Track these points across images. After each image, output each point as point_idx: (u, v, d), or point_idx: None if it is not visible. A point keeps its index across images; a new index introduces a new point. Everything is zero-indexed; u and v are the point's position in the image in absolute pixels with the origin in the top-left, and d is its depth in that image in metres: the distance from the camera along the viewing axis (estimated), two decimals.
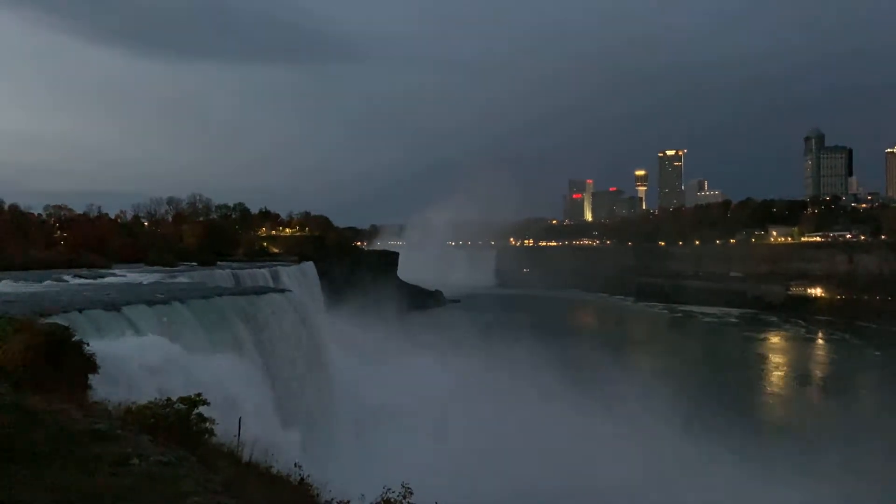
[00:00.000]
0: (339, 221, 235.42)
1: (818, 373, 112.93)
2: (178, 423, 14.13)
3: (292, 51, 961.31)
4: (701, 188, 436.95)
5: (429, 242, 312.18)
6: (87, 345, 20.34)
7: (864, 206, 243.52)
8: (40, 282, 51.15)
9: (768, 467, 54.07)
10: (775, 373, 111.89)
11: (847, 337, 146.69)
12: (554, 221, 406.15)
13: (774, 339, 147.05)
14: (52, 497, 8.83)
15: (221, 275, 73.53)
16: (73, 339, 20.02)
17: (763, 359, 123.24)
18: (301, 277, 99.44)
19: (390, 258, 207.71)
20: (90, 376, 19.77)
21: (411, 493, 14.60)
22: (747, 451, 58.77)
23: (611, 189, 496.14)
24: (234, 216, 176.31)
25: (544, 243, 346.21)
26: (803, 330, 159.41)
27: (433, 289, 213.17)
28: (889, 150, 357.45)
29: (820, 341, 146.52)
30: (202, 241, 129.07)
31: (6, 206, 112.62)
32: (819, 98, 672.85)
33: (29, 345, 17.68)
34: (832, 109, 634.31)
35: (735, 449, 58.58)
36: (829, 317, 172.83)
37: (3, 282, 49.31)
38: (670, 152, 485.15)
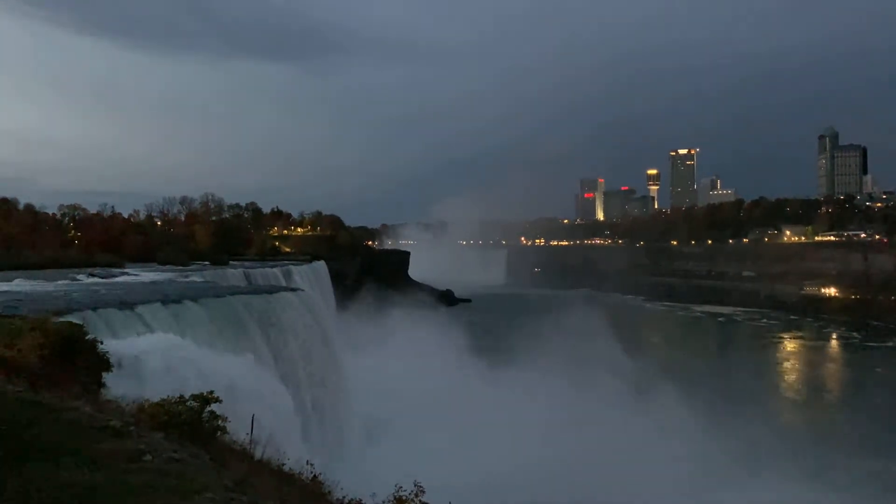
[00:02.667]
0: (350, 221, 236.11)
1: (837, 375, 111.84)
2: (191, 421, 14.19)
3: (295, 48, 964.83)
4: (713, 187, 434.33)
5: (440, 242, 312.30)
6: (101, 343, 20.51)
7: (879, 205, 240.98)
8: (55, 281, 51.56)
9: (787, 470, 53.54)
10: (792, 376, 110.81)
11: (862, 337, 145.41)
12: (565, 221, 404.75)
13: (789, 340, 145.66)
14: (66, 493, 8.88)
15: (234, 274, 73.94)
16: (87, 338, 20.19)
17: (780, 361, 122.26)
18: (313, 277, 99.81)
19: (401, 257, 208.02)
20: (104, 374, 19.93)
21: (423, 492, 14.57)
22: (763, 453, 58.28)
23: (622, 188, 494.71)
24: (246, 216, 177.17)
25: (556, 243, 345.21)
26: (817, 330, 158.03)
27: (444, 288, 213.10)
28: None
29: (834, 342, 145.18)
30: (214, 241, 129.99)
31: (21, 206, 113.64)
32: (833, 96, 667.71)
33: (43, 343, 17.85)
34: (847, 107, 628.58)
35: (751, 451, 58.16)
36: (843, 317, 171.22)
37: (18, 280, 49.76)
38: (682, 151, 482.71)
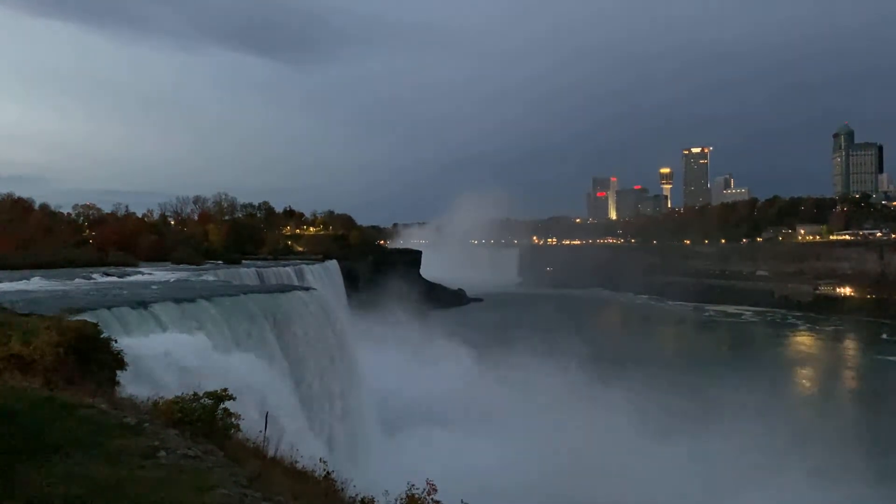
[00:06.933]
0: (362, 220, 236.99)
1: (855, 376, 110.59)
2: (205, 418, 14.24)
3: (286, 41, 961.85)
4: (727, 186, 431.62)
5: (452, 241, 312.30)
6: (116, 341, 20.62)
7: (894, 203, 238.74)
8: (70, 279, 51.96)
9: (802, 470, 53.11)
10: (810, 378, 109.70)
11: (878, 336, 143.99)
12: (577, 220, 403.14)
13: (806, 341, 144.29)
14: (81, 489, 8.95)
15: (246, 273, 74.18)
16: (102, 336, 20.29)
17: (798, 362, 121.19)
18: (325, 275, 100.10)
19: (413, 256, 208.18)
20: (118, 372, 20.04)
21: (436, 490, 14.56)
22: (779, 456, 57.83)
23: (635, 187, 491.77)
24: (258, 215, 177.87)
25: (568, 242, 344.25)
26: (834, 330, 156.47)
27: (456, 287, 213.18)
28: None
29: (850, 342, 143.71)
30: (227, 240, 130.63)
31: (37, 206, 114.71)
32: (849, 94, 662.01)
33: (59, 341, 17.95)
34: (862, 105, 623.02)
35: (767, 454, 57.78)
36: (858, 316, 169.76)
37: (34, 279, 50.19)
38: (696, 150, 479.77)
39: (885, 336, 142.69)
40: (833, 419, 78.14)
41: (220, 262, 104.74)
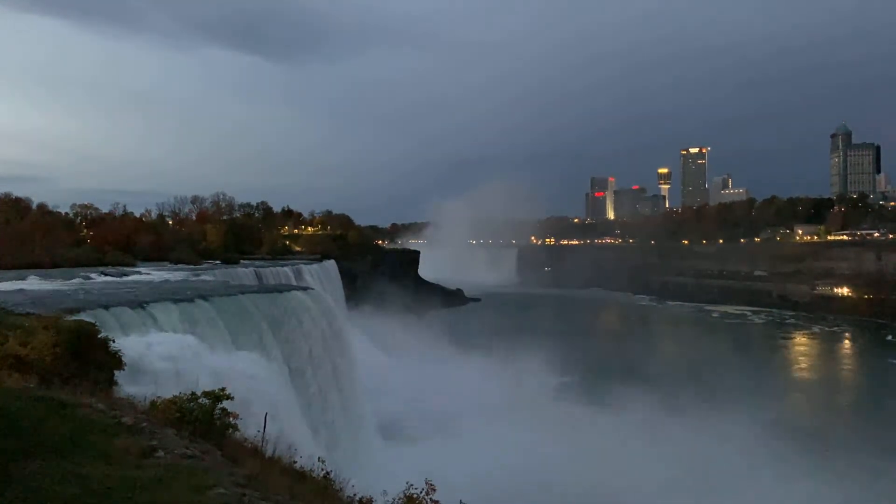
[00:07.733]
0: (360, 220, 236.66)
1: (854, 374, 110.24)
2: (203, 418, 14.23)
3: (287, 43, 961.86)
4: (725, 186, 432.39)
5: (450, 241, 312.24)
6: (113, 341, 20.60)
7: (892, 203, 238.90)
8: (68, 279, 51.87)
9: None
10: (807, 377, 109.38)
11: (875, 336, 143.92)
12: (576, 220, 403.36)
13: (804, 341, 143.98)
14: (79, 488, 8.92)
15: (244, 273, 74.05)
16: (100, 336, 20.27)
17: (797, 362, 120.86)
18: (323, 275, 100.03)
19: (411, 256, 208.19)
20: (116, 372, 20.02)
21: (434, 490, 14.55)
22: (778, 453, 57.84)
23: (633, 187, 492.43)
24: (257, 215, 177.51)
25: (566, 242, 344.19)
26: (831, 330, 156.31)
27: (454, 287, 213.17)
28: None
29: (847, 342, 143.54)
30: (226, 240, 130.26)
31: (34, 206, 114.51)
32: (846, 94, 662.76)
33: (56, 341, 17.92)
34: (860, 106, 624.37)
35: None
36: (856, 316, 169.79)
37: (32, 279, 50.08)
38: (694, 150, 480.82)
39: (889, 338, 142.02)
40: (827, 419, 78.22)
41: (218, 261, 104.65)
